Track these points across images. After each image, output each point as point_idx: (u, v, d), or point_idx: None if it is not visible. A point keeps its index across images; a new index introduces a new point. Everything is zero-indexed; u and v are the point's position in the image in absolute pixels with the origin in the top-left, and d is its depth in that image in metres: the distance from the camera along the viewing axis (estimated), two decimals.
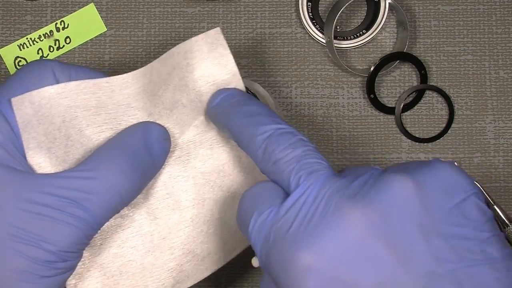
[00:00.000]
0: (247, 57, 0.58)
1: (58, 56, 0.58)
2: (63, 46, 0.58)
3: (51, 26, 0.58)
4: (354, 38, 0.58)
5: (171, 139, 0.45)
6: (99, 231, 0.42)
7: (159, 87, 0.44)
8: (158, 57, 0.58)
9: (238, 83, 0.44)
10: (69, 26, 0.58)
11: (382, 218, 0.35)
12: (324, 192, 0.37)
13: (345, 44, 0.58)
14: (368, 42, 0.58)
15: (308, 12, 0.57)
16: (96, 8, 0.58)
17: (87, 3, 0.58)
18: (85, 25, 0.58)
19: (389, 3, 0.57)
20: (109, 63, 0.58)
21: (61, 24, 0.58)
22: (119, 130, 0.44)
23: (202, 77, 0.43)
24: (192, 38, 0.44)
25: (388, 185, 0.36)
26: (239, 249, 0.48)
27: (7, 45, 0.58)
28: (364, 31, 0.58)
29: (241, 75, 0.58)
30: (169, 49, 0.58)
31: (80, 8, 0.58)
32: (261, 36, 0.58)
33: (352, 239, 0.35)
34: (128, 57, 0.58)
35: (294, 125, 0.57)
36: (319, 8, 0.58)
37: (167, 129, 0.44)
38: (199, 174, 0.45)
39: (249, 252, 0.56)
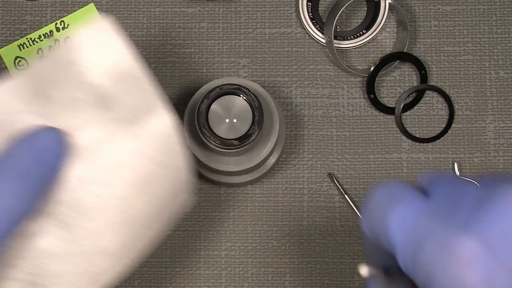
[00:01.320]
0: (247, 57, 0.58)
1: None
2: None
3: (51, 26, 0.58)
4: (354, 38, 0.58)
5: (71, 139, 0.41)
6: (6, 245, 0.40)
7: (50, 87, 0.41)
8: (158, 56, 0.58)
9: (135, 67, 0.41)
10: (69, 26, 0.58)
11: None
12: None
13: (345, 44, 0.58)
14: (368, 42, 0.58)
15: (308, 12, 0.57)
16: (96, 8, 0.58)
17: (87, 3, 0.58)
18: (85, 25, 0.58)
19: (389, 3, 0.57)
20: None
21: (61, 24, 0.58)
22: (7, 140, 0.40)
23: (97, 69, 0.41)
24: (81, 30, 0.41)
25: None
26: (156, 240, 0.45)
27: (7, 45, 0.58)
28: (364, 31, 0.58)
29: (241, 75, 0.58)
30: (169, 49, 0.58)
31: (80, 8, 0.58)
32: (261, 36, 0.58)
33: None
34: None
35: (294, 125, 0.57)
36: (319, 8, 0.58)
37: (63, 129, 0.41)
38: (107, 172, 0.42)
39: (248, 252, 0.56)
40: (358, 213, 0.55)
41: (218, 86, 0.49)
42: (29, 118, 0.40)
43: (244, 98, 0.49)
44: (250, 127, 0.49)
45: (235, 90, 0.49)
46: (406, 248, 0.34)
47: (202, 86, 0.52)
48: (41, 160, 0.39)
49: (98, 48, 0.41)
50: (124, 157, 0.41)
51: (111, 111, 0.41)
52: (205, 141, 0.49)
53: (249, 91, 0.49)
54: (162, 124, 0.42)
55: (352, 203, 0.56)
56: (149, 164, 0.42)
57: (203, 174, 0.54)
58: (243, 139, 0.49)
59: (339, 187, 0.56)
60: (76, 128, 0.41)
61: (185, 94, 0.58)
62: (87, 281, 0.42)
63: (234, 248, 0.56)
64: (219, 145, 0.49)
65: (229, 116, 0.49)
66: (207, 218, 0.56)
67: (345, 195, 0.56)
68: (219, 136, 0.49)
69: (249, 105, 0.49)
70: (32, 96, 0.41)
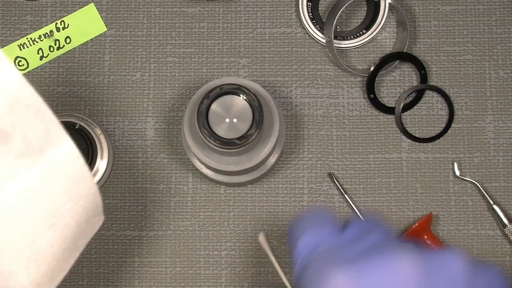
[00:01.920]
0: (247, 57, 0.58)
1: (58, 56, 0.58)
2: (63, 46, 0.58)
3: (51, 26, 0.58)
4: (354, 38, 0.58)
5: None
6: None
7: None
8: (158, 56, 0.58)
9: (30, 94, 0.38)
10: (69, 26, 0.58)
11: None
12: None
13: (345, 44, 0.58)
14: (368, 42, 0.58)
15: (308, 12, 0.57)
16: (96, 8, 0.58)
17: (87, 3, 0.58)
18: (85, 25, 0.58)
19: (389, 3, 0.57)
20: (109, 63, 0.58)
21: (61, 24, 0.58)
22: None
23: None
24: None
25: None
26: (69, 267, 0.44)
27: (7, 45, 0.58)
28: (364, 31, 0.58)
29: (241, 75, 0.58)
30: (169, 49, 0.58)
31: (80, 8, 0.58)
32: (261, 36, 0.58)
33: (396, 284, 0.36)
34: (128, 57, 0.58)
35: (294, 125, 0.57)
36: (319, 8, 0.58)
37: None
38: (11, 210, 0.39)
39: (248, 252, 0.56)
40: (358, 213, 0.55)
41: (218, 86, 0.49)
42: None
43: (244, 98, 0.49)
44: (250, 127, 0.49)
45: (235, 90, 0.49)
46: (302, 263, 0.39)
47: (202, 86, 0.52)
48: None
49: None
50: (28, 193, 0.39)
51: (10, 146, 0.39)
52: (205, 141, 0.49)
53: (249, 91, 0.49)
54: (65, 154, 0.40)
55: (352, 203, 0.56)
56: (57, 196, 0.40)
57: (203, 174, 0.54)
58: (243, 139, 0.49)
59: (339, 187, 0.56)
60: None
61: (185, 94, 0.58)
62: None
63: (234, 248, 0.56)
64: (219, 145, 0.49)
65: (229, 116, 0.49)
66: (207, 218, 0.56)
67: (345, 195, 0.56)
68: (219, 136, 0.49)
69: (249, 105, 0.49)
70: None
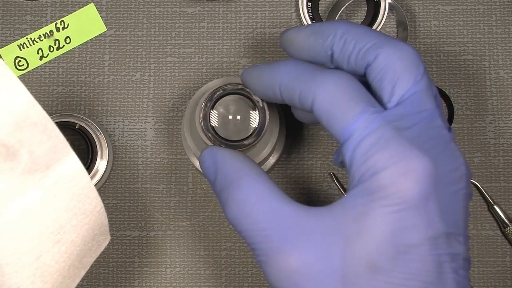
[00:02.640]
0: (247, 57, 0.58)
1: (58, 56, 0.58)
2: (63, 46, 0.58)
3: (51, 26, 0.58)
4: None
5: None
6: None
7: None
8: (158, 56, 0.58)
9: (37, 111, 0.39)
10: (69, 26, 0.58)
11: None
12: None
13: None
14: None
15: (308, 12, 0.57)
16: (96, 8, 0.58)
17: (87, 3, 0.58)
18: (85, 25, 0.58)
19: (389, 3, 0.57)
20: (109, 63, 0.58)
21: (61, 24, 0.58)
22: None
23: None
24: None
25: None
26: (74, 285, 0.44)
27: (7, 45, 0.58)
28: None
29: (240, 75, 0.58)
30: (169, 49, 0.58)
31: (80, 8, 0.58)
32: (261, 36, 0.58)
33: None
34: (128, 57, 0.58)
35: (294, 125, 0.57)
36: (319, 8, 0.58)
37: None
38: (17, 226, 0.39)
39: (248, 252, 0.56)
40: None
41: (220, 87, 0.48)
42: None
43: (249, 99, 0.48)
44: (256, 128, 0.48)
45: (239, 90, 0.49)
46: (363, 140, 0.39)
47: (202, 86, 0.52)
48: None
49: None
50: (34, 209, 0.39)
51: (17, 162, 0.39)
52: (210, 143, 0.48)
53: (250, 92, 0.49)
54: (72, 171, 0.40)
55: None
56: (62, 213, 0.40)
57: (203, 174, 0.54)
58: (250, 141, 0.48)
59: (340, 187, 0.56)
60: None
61: (185, 94, 0.58)
62: None
63: (234, 248, 0.56)
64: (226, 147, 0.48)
65: (234, 116, 0.49)
66: (207, 218, 0.56)
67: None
68: (224, 139, 0.48)
69: (254, 106, 0.48)
70: None
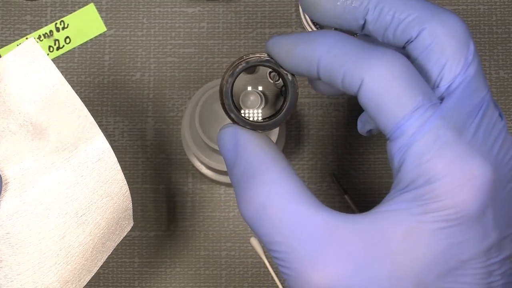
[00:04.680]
0: None
1: (58, 56, 0.58)
2: (63, 46, 0.58)
3: (51, 26, 0.58)
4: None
5: None
6: None
7: None
8: (158, 56, 0.58)
9: (67, 91, 0.39)
10: (69, 26, 0.58)
11: None
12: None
13: None
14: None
15: None
16: (96, 8, 0.58)
17: (87, 3, 0.58)
18: (85, 25, 0.58)
19: None
20: (109, 63, 0.58)
21: (61, 24, 0.58)
22: None
23: (26, 97, 0.38)
24: (5, 55, 0.39)
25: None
26: (96, 269, 0.43)
27: (7, 45, 0.58)
28: None
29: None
30: (169, 49, 0.58)
31: (80, 8, 0.58)
32: (261, 36, 0.58)
33: None
34: (128, 57, 0.58)
35: (294, 125, 0.57)
36: None
37: None
38: (43, 205, 0.39)
39: (248, 252, 0.56)
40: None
41: (243, 60, 0.40)
42: None
43: (277, 73, 0.40)
44: (283, 105, 0.40)
45: (266, 63, 0.39)
46: (414, 139, 0.34)
47: (202, 86, 0.52)
48: None
49: (27, 74, 0.39)
50: (61, 189, 0.39)
51: (45, 141, 0.39)
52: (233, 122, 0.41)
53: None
54: (100, 152, 0.40)
55: (353, 203, 0.56)
56: (88, 194, 0.40)
57: (203, 174, 0.54)
58: (278, 121, 0.40)
59: (340, 187, 0.56)
60: (3, 159, 0.39)
61: (185, 94, 0.58)
62: None
63: (234, 248, 0.56)
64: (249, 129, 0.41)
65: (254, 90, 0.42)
66: (207, 218, 0.56)
67: (346, 195, 0.56)
68: (250, 120, 0.40)
69: (281, 78, 0.40)
70: None
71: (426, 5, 0.36)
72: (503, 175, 0.36)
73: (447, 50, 0.36)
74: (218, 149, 0.49)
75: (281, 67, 0.39)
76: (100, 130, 0.40)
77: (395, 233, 0.34)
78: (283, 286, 0.55)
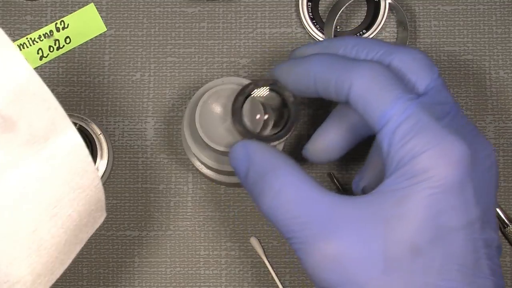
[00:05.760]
0: (247, 57, 0.58)
1: (58, 56, 0.58)
2: (63, 46, 0.58)
3: (51, 26, 0.58)
4: None
5: None
6: None
7: None
8: (158, 56, 0.58)
9: (37, 82, 0.38)
10: (69, 26, 0.58)
11: None
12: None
13: None
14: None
15: (308, 12, 0.57)
16: (96, 8, 0.58)
17: (87, 3, 0.58)
18: (85, 25, 0.58)
19: (389, 3, 0.57)
20: (109, 63, 0.58)
21: (61, 24, 0.58)
22: None
23: None
24: None
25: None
26: (69, 261, 0.43)
27: None
28: (364, 31, 0.58)
29: (241, 75, 0.58)
30: (169, 49, 0.58)
31: (80, 8, 0.58)
32: (261, 36, 0.58)
33: None
34: (128, 57, 0.58)
35: (295, 125, 0.57)
36: (319, 8, 0.58)
37: None
38: (12, 199, 0.39)
39: (248, 252, 0.56)
40: None
41: (252, 82, 0.47)
42: None
43: (279, 94, 0.47)
44: (286, 123, 0.47)
45: (271, 85, 0.47)
46: (396, 127, 0.40)
47: (202, 86, 0.52)
48: None
49: None
50: (31, 181, 0.39)
51: (15, 134, 0.38)
52: (240, 138, 0.47)
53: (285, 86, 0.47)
54: (71, 145, 0.39)
55: None
56: (60, 186, 0.40)
57: (203, 174, 0.54)
58: (281, 136, 0.47)
59: (339, 187, 0.56)
60: None
61: (185, 94, 0.58)
62: None
63: (234, 248, 0.56)
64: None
65: (260, 112, 0.48)
66: (207, 218, 0.56)
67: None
68: (255, 134, 0.47)
69: (284, 101, 0.47)
70: None
71: (390, 44, 0.45)
72: (478, 161, 0.41)
73: (417, 69, 0.43)
74: (218, 149, 0.49)
75: (285, 89, 0.46)
76: (71, 123, 0.39)
77: (388, 203, 0.39)
78: (283, 286, 0.55)
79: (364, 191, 0.49)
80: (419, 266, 0.38)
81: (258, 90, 0.47)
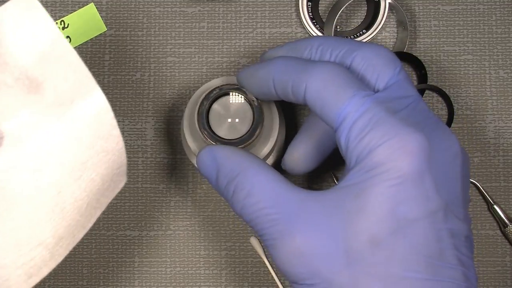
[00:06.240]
0: (247, 57, 0.58)
1: None
2: None
3: None
4: (354, 38, 0.58)
5: None
6: None
7: None
8: (158, 56, 0.58)
9: (64, 45, 0.38)
10: (69, 26, 0.58)
11: None
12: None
13: None
14: (368, 42, 0.58)
15: (308, 12, 0.58)
16: (96, 8, 0.58)
17: (87, 3, 0.58)
18: (85, 25, 0.58)
19: (389, 3, 0.57)
20: (109, 63, 0.58)
21: (61, 24, 0.58)
22: None
23: (22, 50, 0.38)
24: (2, 7, 0.38)
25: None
26: (90, 225, 0.44)
27: None
28: (364, 31, 0.58)
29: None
30: (169, 49, 0.58)
31: (80, 8, 0.58)
32: (261, 36, 0.58)
33: None
34: (128, 57, 0.58)
35: (294, 125, 0.57)
36: (319, 8, 0.58)
37: None
38: (38, 159, 0.39)
39: (248, 252, 0.56)
40: None
41: (217, 87, 0.49)
42: None
43: (244, 98, 0.49)
44: (251, 127, 0.49)
45: (235, 90, 0.49)
46: (352, 124, 0.40)
47: (202, 86, 0.52)
48: None
49: (23, 27, 0.38)
50: (56, 143, 0.39)
51: (41, 95, 0.39)
52: (206, 142, 0.49)
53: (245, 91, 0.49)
54: (96, 107, 0.40)
55: None
56: (84, 149, 0.40)
57: (202, 174, 0.54)
58: (245, 139, 0.49)
59: None
60: (2, 115, 0.39)
61: (185, 94, 0.58)
62: (26, 275, 0.40)
63: (234, 248, 0.56)
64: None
65: (230, 116, 0.49)
66: (207, 218, 0.56)
67: None
68: (220, 137, 0.49)
69: (249, 105, 0.49)
70: None
71: (355, 41, 0.45)
72: (438, 152, 0.41)
73: (379, 65, 0.43)
74: None
75: (248, 93, 0.48)
76: (97, 85, 0.39)
77: (349, 197, 0.40)
78: (283, 286, 0.55)
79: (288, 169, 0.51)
80: (381, 258, 0.39)
81: (223, 94, 0.49)
